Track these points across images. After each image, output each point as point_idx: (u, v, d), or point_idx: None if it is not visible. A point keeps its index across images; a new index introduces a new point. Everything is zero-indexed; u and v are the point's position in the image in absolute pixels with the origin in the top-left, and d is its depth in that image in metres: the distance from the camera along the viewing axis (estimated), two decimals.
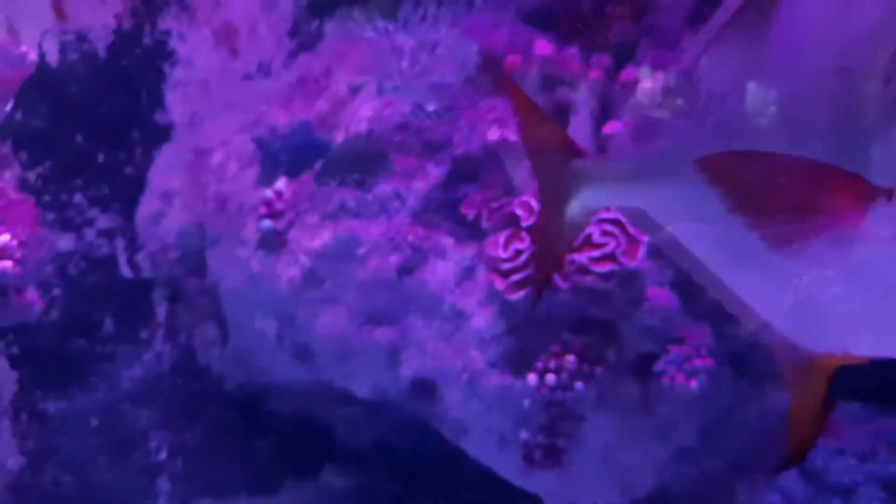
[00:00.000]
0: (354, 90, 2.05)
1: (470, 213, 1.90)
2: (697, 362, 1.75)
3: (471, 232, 1.92)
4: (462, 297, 1.85)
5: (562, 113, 1.87)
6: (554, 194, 0.91)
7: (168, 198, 2.33)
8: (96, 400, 2.27)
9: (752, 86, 0.69)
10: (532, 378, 1.74)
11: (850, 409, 1.75)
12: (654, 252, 1.77)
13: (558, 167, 0.89)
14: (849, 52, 0.60)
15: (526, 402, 1.75)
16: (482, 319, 1.82)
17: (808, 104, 0.62)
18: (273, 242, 1.97)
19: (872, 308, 0.63)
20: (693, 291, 1.84)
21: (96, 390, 2.28)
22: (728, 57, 0.73)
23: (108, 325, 2.32)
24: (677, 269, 1.82)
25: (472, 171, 1.96)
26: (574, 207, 0.89)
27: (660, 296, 1.79)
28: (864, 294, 0.63)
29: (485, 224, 1.87)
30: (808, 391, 0.74)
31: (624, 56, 1.95)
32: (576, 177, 0.88)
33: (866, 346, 0.68)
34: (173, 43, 2.33)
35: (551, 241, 0.99)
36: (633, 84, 1.81)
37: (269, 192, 1.99)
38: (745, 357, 1.81)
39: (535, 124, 0.96)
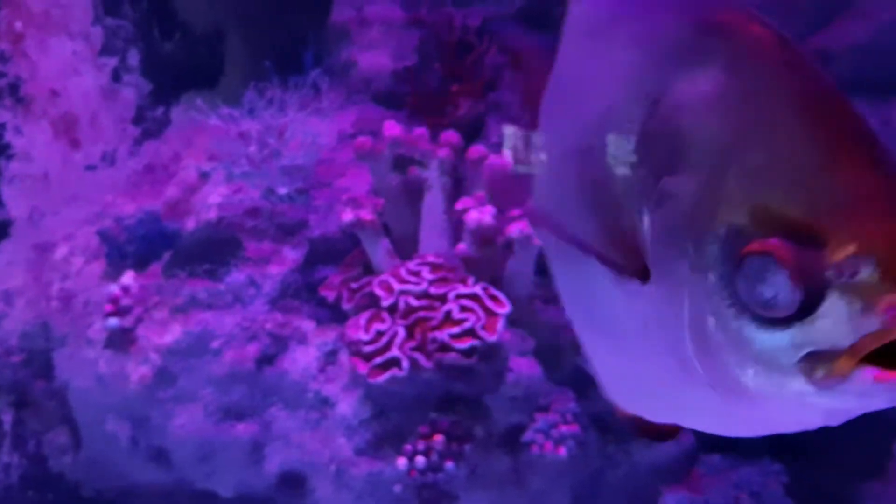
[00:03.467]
0: (204, 176, 2.00)
1: (330, 296, 1.87)
2: (564, 428, 1.76)
3: (332, 314, 1.89)
4: (326, 383, 1.81)
5: (414, 191, 1.89)
6: None
7: (9, 297, 2.19)
8: None
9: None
10: (402, 462, 1.70)
11: (710, 461, 1.79)
12: (514, 322, 1.78)
13: None
14: (591, 131, 0.61)
15: (397, 488, 1.70)
16: (347, 405, 1.77)
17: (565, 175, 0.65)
18: (121, 341, 1.88)
19: (629, 378, 0.66)
20: (555, 357, 1.87)
21: None
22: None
23: None
24: (538, 338, 1.84)
25: (329, 252, 1.94)
26: None
27: (523, 365, 1.80)
28: (624, 365, 0.65)
29: (345, 306, 1.84)
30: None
31: (471, 133, 1.99)
32: None
33: (650, 415, 0.71)
34: (8, 136, 2.22)
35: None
36: (481, 160, 1.85)
37: (114, 288, 1.90)
38: (608, 418, 1.84)
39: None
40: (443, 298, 1.72)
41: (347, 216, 1.82)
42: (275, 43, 2.18)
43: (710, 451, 1.83)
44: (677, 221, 0.55)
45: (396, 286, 1.76)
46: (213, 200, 1.92)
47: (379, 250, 1.85)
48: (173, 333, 1.83)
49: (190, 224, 1.96)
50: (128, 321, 1.87)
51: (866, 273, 0.49)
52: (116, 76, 2.28)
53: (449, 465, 1.69)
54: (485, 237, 1.80)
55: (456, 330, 1.70)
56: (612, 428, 1.84)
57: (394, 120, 1.93)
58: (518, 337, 1.81)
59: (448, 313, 1.71)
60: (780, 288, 0.50)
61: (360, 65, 2.14)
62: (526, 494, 1.78)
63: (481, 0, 2.14)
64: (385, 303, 1.76)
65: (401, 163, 1.90)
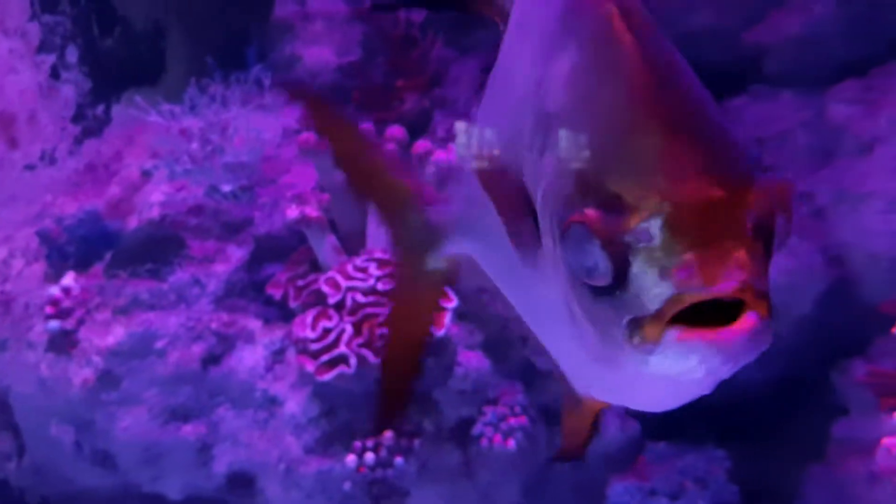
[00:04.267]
0: (146, 174, 1.97)
1: (276, 294, 1.86)
2: (513, 421, 1.77)
3: (279, 313, 1.87)
4: (273, 382, 1.79)
5: None
6: (410, 246, 0.84)
7: None
8: None
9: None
10: (351, 459, 1.69)
11: (656, 449, 1.82)
12: (462, 316, 1.79)
13: (414, 217, 0.83)
14: (515, 117, 0.62)
15: (347, 485, 1.70)
16: (296, 404, 1.76)
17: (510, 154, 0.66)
18: (63, 343, 1.84)
19: (584, 367, 0.66)
20: (503, 350, 1.88)
21: None
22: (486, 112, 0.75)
23: None
24: (486, 331, 1.85)
25: (275, 250, 1.92)
26: (434, 256, 0.83)
27: (471, 359, 1.80)
28: (570, 351, 0.65)
29: (292, 304, 1.83)
30: (578, 416, 0.77)
31: (417, 128, 1.98)
32: (431, 224, 0.82)
33: (598, 395, 0.72)
34: None
35: (416, 306, 0.87)
36: (427, 155, 1.84)
37: (55, 290, 1.86)
38: (556, 409, 1.85)
39: (381, 174, 0.84)
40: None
41: (293, 213, 1.81)
42: (216, 38, 2.15)
43: (656, 439, 1.85)
44: (544, 198, 0.57)
45: (343, 283, 1.75)
46: (155, 199, 1.89)
47: (325, 247, 1.84)
48: (116, 335, 1.80)
49: (132, 223, 1.92)
50: (69, 323, 1.84)
51: (659, 237, 0.50)
52: (55, 73, 2.23)
53: (398, 460, 1.69)
54: None
55: None
56: (560, 419, 1.85)
57: None
58: (466, 331, 1.81)
59: None
60: (596, 257, 0.52)
61: (304, 59, 2.13)
62: (476, 487, 1.79)
63: None
64: (332, 300, 1.75)
65: None
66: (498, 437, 1.76)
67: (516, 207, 0.60)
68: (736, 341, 0.50)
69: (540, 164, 0.57)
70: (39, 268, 2.00)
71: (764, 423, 1.86)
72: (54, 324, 1.83)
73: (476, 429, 1.76)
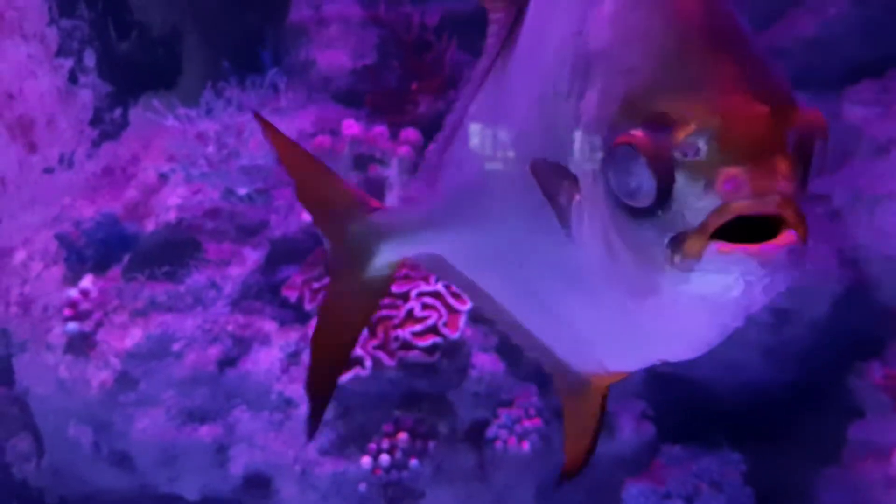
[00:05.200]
0: (163, 177, 1.99)
1: (292, 296, 1.87)
2: (527, 423, 1.77)
3: (294, 315, 1.88)
4: (289, 384, 1.80)
5: (376, 190, 1.88)
6: (349, 255, 0.85)
7: None
8: None
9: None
10: (366, 461, 1.70)
11: (671, 452, 1.82)
12: (476, 319, 1.79)
13: (351, 224, 0.84)
14: (548, 77, 0.63)
15: (362, 487, 1.71)
16: None
17: (532, 131, 0.66)
18: (81, 345, 1.86)
19: (613, 324, 0.66)
20: (517, 353, 1.88)
21: None
22: (485, 102, 0.76)
23: None
24: (500, 334, 1.85)
25: (291, 252, 1.93)
26: (375, 264, 0.84)
27: (486, 362, 1.81)
28: (606, 312, 0.65)
29: (308, 306, 1.84)
30: (582, 409, 0.76)
31: (431, 131, 1.99)
32: (373, 231, 0.83)
33: (619, 361, 0.72)
34: None
35: (347, 314, 0.87)
36: None
37: (73, 293, 1.87)
38: None
39: (313, 180, 0.86)
40: (405, 296, 1.73)
41: (308, 215, 1.82)
42: (232, 42, 2.17)
43: (671, 442, 1.85)
44: (585, 134, 0.58)
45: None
46: (172, 202, 1.91)
47: None
48: (134, 337, 1.81)
49: (149, 226, 1.94)
50: (87, 325, 1.85)
51: (705, 150, 0.51)
52: (73, 78, 2.25)
53: (413, 462, 1.70)
54: None
55: (418, 328, 1.70)
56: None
57: (353, 118, 1.93)
58: (480, 333, 1.81)
59: (410, 311, 1.72)
60: (640, 176, 0.53)
61: (319, 63, 2.14)
62: (491, 489, 1.79)
63: None
64: None
65: (361, 161, 1.90)
66: (512, 440, 1.76)
67: (549, 169, 0.61)
68: (776, 256, 0.51)
69: (578, 108, 0.58)
70: (58, 270, 2.02)
71: (779, 426, 1.86)
72: (73, 326, 1.85)
73: (490, 431, 1.77)
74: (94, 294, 1.87)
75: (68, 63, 2.24)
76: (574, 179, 0.59)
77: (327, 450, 1.75)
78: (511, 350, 1.86)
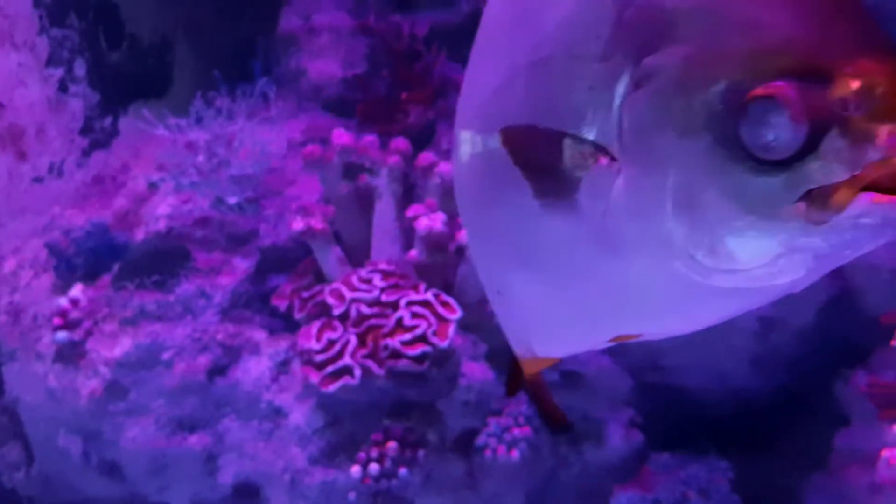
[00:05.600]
0: (153, 186, 1.99)
1: (282, 305, 1.87)
2: (516, 431, 1.78)
3: (284, 324, 1.89)
4: (279, 393, 1.81)
5: (365, 199, 1.89)
6: None
7: None
8: None
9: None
10: (355, 470, 1.70)
11: (660, 459, 1.83)
12: (465, 327, 1.80)
13: None
14: (544, 44, 0.62)
15: (352, 496, 1.71)
16: (300, 415, 1.77)
17: (507, 99, 0.65)
18: (70, 354, 1.86)
19: (550, 306, 0.66)
20: (507, 361, 1.88)
21: None
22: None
23: None
24: (490, 342, 1.86)
25: (280, 261, 1.94)
26: None
27: (475, 370, 1.81)
28: (542, 291, 0.65)
29: (297, 315, 1.84)
30: (520, 381, 0.79)
31: (421, 140, 2.00)
32: None
33: (549, 347, 0.72)
34: None
35: None
36: (431, 167, 1.86)
37: (63, 301, 1.88)
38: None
39: None
40: (394, 305, 1.73)
41: (298, 225, 1.82)
42: (223, 52, 2.17)
43: (660, 450, 1.86)
44: (664, 95, 0.56)
45: (348, 294, 1.77)
46: (161, 211, 1.91)
47: (330, 258, 1.85)
48: (123, 346, 1.82)
49: (139, 235, 1.94)
50: (77, 334, 1.85)
51: (869, 105, 0.52)
52: (63, 87, 2.25)
53: (403, 471, 1.70)
54: (436, 243, 1.81)
55: (407, 337, 1.71)
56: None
57: (343, 128, 1.93)
58: (470, 342, 1.82)
59: (400, 320, 1.72)
60: (783, 128, 0.53)
61: (309, 73, 2.14)
62: (480, 498, 1.80)
63: (428, 8, 2.16)
64: (337, 311, 1.76)
65: (351, 170, 1.90)
66: (502, 448, 1.77)
67: (574, 123, 0.60)
68: None
69: (626, 70, 0.57)
70: (48, 279, 2.02)
71: (766, 433, 1.87)
72: (62, 335, 1.85)
73: (480, 440, 1.77)
74: (83, 303, 1.87)
75: (58, 72, 2.24)
76: (593, 146, 0.58)
77: (317, 459, 1.75)
78: (501, 358, 1.86)
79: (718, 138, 0.54)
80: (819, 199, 0.53)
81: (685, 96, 0.55)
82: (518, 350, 0.74)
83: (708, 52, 0.55)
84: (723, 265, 0.56)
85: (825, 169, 0.53)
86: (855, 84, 0.52)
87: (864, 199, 0.52)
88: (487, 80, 0.70)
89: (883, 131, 0.52)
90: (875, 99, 0.52)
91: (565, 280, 0.64)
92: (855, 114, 0.52)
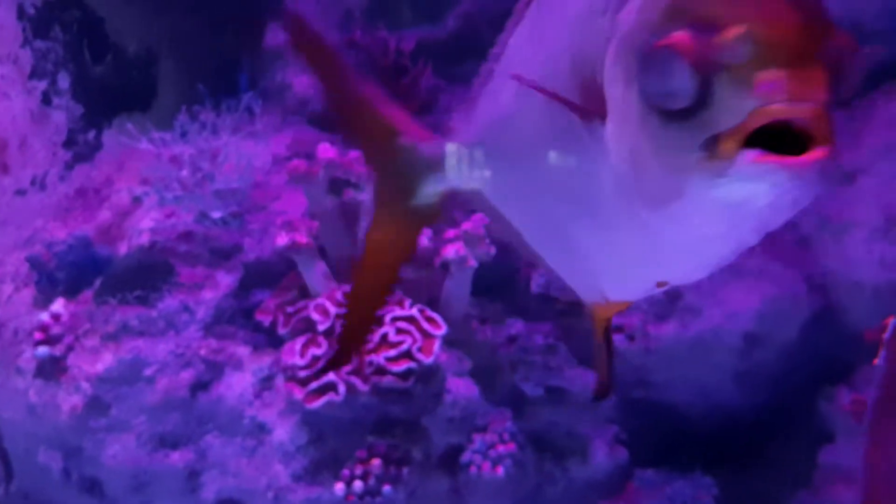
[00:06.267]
0: (136, 200, 1.98)
1: (266, 320, 1.86)
2: (501, 448, 1.77)
3: (268, 339, 1.87)
4: (262, 409, 1.79)
5: (350, 214, 1.89)
6: (396, 183, 0.81)
7: None
8: None
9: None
10: (339, 487, 1.69)
11: (644, 476, 1.83)
12: (450, 343, 1.79)
13: (401, 150, 0.80)
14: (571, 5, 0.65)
15: None
16: (284, 431, 1.76)
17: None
18: (51, 370, 1.84)
19: (622, 246, 0.66)
20: (491, 378, 1.88)
21: None
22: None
23: None
24: (475, 358, 1.85)
25: (265, 276, 1.93)
26: (422, 194, 0.81)
27: (460, 386, 1.81)
28: (617, 233, 0.65)
29: (281, 330, 1.83)
30: (595, 335, 0.77)
31: None
32: (420, 160, 0.80)
33: (620, 290, 0.72)
34: None
35: (393, 243, 0.85)
36: None
37: (44, 316, 1.86)
38: (545, 436, 1.85)
39: (366, 105, 0.81)
40: (379, 321, 1.73)
41: (282, 240, 1.81)
42: (208, 66, 2.16)
43: (644, 466, 1.86)
44: (614, 50, 0.59)
45: (333, 310, 1.76)
46: (145, 225, 1.90)
47: (315, 274, 1.85)
48: (105, 361, 1.80)
49: (122, 249, 1.93)
50: (58, 349, 1.83)
51: (752, 52, 0.52)
52: (46, 99, 2.24)
53: (387, 488, 1.69)
54: (421, 259, 1.81)
55: (392, 353, 1.70)
56: (548, 445, 1.86)
57: (329, 142, 1.93)
58: (455, 358, 1.82)
59: (384, 336, 1.72)
60: (678, 77, 0.54)
61: (294, 87, 2.14)
62: None
63: (414, 24, 2.16)
64: (321, 327, 1.76)
65: (336, 185, 1.90)
66: (487, 465, 1.76)
67: (574, 83, 0.62)
68: (807, 170, 0.52)
69: (614, 22, 0.59)
70: (29, 293, 2.00)
71: (751, 450, 1.87)
72: (43, 350, 1.83)
73: (465, 456, 1.77)
74: (65, 318, 1.85)
75: (42, 85, 2.23)
76: (602, 100, 0.60)
77: (300, 475, 1.74)
78: (485, 375, 1.86)
79: (641, 91, 0.56)
80: (713, 148, 0.53)
81: (622, 52, 0.58)
82: (592, 298, 0.74)
83: (643, 8, 0.57)
84: (663, 215, 0.58)
85: (714, 118, 0.53)
86: (738, 30, 0.52)
87: (746, 157, 0.52)
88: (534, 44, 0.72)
89: (759, 79, 0.52)
90: (758, 45, 0.52)
91: (616, 225, 0.65)
92: (737, 61, 0.52)
